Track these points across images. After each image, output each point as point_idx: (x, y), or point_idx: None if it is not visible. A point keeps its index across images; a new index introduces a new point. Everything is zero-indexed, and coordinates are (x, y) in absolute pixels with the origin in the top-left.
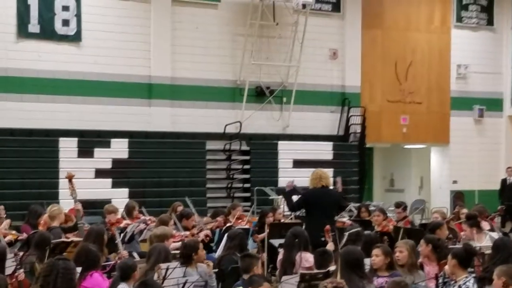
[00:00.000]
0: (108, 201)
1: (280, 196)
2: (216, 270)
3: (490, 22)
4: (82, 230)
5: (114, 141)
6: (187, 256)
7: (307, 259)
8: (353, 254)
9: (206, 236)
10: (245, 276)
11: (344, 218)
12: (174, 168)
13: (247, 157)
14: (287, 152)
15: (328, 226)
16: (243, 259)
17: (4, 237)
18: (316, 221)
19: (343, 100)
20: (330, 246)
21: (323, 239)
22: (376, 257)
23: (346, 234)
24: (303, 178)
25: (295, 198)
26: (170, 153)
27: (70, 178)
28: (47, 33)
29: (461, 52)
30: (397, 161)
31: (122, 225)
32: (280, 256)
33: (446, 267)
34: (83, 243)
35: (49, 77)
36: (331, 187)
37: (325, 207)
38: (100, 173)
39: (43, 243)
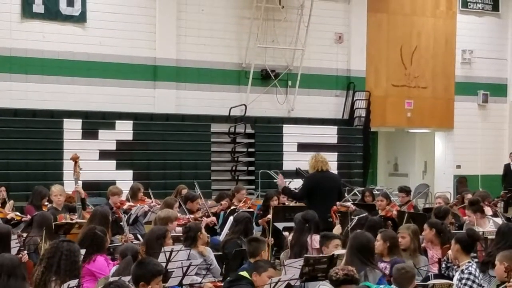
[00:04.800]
0: (112, 183)
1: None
2: (220, 253)
3: (495, 7)
4: (80, 212)
5: (119, 123)
6: (191, 238)
7: (317, 240)
8: (359, 239)
9: (211, 222)
10: (252, 260)
11: (348, 203)
12: (178, 151)
13: (252, 140)
14: (291, 135)
15: (335, 207)
16: (251, 243)
17: (10, 219)
18: (317, 205)
19: (348, 84)
20: (337, 229)
21: (330, 219)
22: (376, 242)
23: (355, 218)
24: (307, 162)
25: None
26: (175, 135)
27: (74, 159)
28: (52, 13)
29: (466, 38)
30: (401, 145)
31: (125, 207)
32: (289, 239)
33: (449, 251)
34: (91, 226)
35: (53, 58)
36: (331, 171)
37: (326, 191)
38: (104, 155)
39: (43, 223)
